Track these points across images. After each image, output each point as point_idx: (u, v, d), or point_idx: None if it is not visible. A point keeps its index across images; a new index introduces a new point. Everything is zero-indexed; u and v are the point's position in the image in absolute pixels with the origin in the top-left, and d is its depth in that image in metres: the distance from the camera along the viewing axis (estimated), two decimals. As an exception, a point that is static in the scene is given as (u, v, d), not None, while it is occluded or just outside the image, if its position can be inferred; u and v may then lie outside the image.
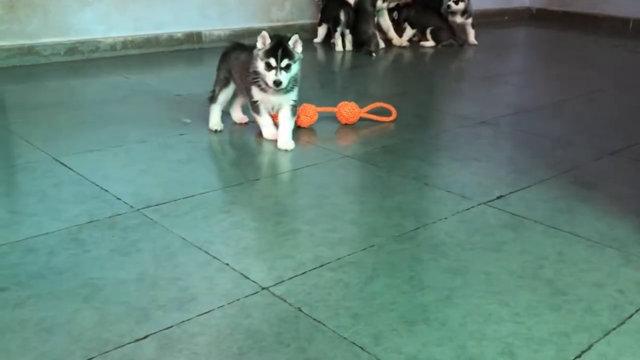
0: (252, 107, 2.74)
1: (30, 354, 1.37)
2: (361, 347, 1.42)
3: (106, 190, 2.21)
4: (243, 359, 1.37)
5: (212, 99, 2.89)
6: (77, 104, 3.32)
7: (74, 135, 2.79)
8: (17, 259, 1.75)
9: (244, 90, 2.78)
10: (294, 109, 2.71)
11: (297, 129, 2.94)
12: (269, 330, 1.47)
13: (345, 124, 3.05)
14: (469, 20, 5.49)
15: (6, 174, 2.36)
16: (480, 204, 2.19)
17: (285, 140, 2.70)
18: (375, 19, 5.19)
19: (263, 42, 2.57)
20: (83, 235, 1.89)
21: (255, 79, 2.62)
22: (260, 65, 2.56)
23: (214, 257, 1.79)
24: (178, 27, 4.76)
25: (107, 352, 1.38)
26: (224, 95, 2.89)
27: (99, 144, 2.68)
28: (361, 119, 3.07)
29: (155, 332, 1.45)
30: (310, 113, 3.00)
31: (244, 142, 2.88)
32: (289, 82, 2.59)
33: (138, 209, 2.07)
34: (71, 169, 2.39)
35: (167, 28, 4.71)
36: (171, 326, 1.47)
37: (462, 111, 3.40)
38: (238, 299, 1.59)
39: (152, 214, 2.04)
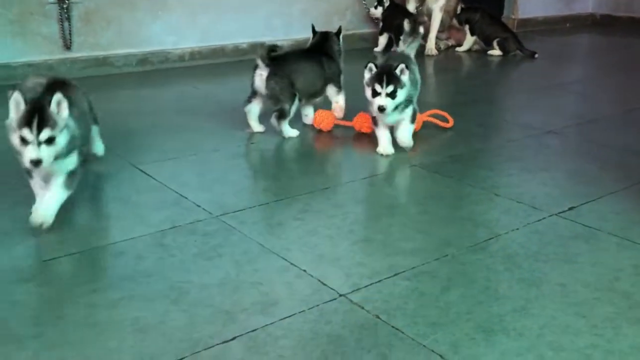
0: (373, 120, 2.81)
1: (128, 352, 1.46)
2: (440, 355, 1.46)
3: (185, 197, 2.31)
4: (327, 362, 1.43)
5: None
6: (150, 113, 3.46)
7: (150, 143, 2.91)
8: (108, 261, 1.86)
9: None
10: (413, 117, 2.81)
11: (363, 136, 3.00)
12: (349, 336, 1.53)
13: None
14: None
15: (91, 180, 2.49)
16: (551, 215, 2.19)
17: (404, 140, 2.81)
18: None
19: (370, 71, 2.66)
20: (167, 240, 1.99)
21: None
22: (368, 93, 2.66)
23: (292, 264, 1.86)
24: (243, 37, 4.88)
25: (197, 352, 1.46)
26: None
27: (175, 152, 2.80)
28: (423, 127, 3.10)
29: (241, 335, 1.52)
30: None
31: (312, 151, 2.96)
32: (397, 107, 2.66)
33: (216, 216, 2.16)
34: (151, 177, 2.50)
35: (232, 39, 4.84)
36: (256, 329, 1.54)
37: (526, 120, 3.38)
38: (317, 305, 1.65)
39: (230, 221, 2.13)
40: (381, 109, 2.62)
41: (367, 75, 2.68)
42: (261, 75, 2.88)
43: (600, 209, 2.26)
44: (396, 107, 2.65)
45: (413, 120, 2.80)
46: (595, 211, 2.23)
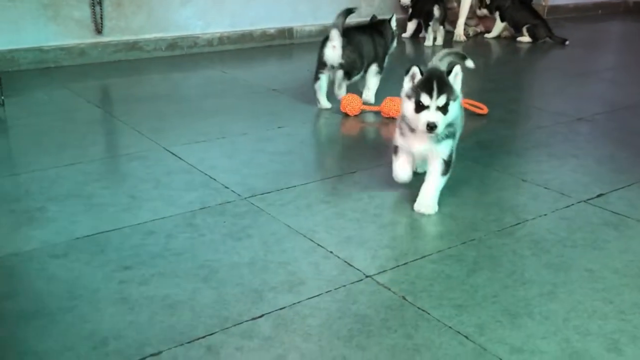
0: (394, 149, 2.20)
1: (158, 326, 1.50)
2: (466, 336, 1.47)
3: (214, 179, 2.34)
4: (353, 341, 1.45)
5: None
6: (179, 97, 3.50)
7: (179, 126, 2.95)
8: (139, 240, 1.90)
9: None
10: (446, 166, 2.08)
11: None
12: (375, 316, 1.54)
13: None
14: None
15: (122, 162, 2.54)
16: (580, 202, 2.18)
17: (426, 202, 2.10)
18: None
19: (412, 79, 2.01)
20: (197, 220, 2.02)
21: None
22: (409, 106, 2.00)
23: (319, 245, 1.88)
24: (271, 23, 4.90)
25: (227, 328, 1.49)
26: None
27: (203, 135, 2.83)
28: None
29: (269, 312, 1.55)
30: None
31: (339, 135, 2.97)
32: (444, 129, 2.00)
33: (245, 198, 2.19)
34: (181, 159, 2.54)
35: (260, 24, 4.86)
36: (284, 307, 1.57)
37: (557, 107, 3.35)
38: (344, 285, 1.67)
39: (258, 203, 2.15)
40: (431, 128, 1.93)
41: (407, 85, 2.00)
42: (334, 47, 3.03)
43: (630, 196, 2.24)
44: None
45: (447, 169, 2.08)
46: (624, 198, 2.22)
